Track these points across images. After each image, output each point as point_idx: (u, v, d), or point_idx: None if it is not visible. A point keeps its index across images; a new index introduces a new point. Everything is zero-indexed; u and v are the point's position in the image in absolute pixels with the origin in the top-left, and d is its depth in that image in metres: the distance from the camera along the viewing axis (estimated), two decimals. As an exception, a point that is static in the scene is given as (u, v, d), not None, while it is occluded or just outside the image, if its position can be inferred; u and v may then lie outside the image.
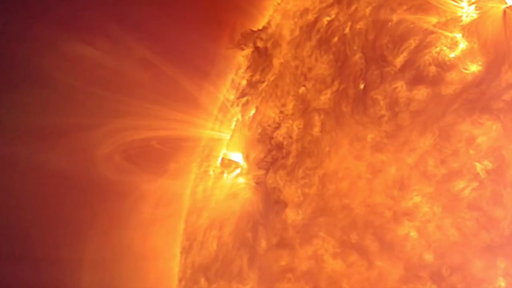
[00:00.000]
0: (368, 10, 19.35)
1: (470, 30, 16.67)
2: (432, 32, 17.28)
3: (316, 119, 19.61)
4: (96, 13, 22.44)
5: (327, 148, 18.94)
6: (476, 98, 15.85)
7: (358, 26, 19.38)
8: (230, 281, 22.11)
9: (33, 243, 22.69)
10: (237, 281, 21.62)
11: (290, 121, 20.60)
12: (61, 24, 21.43)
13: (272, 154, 21.07)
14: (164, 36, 25.64)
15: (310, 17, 21.97)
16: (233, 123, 24.69)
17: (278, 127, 21.20)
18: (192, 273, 25.13)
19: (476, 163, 15.54)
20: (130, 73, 24.53)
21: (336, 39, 20.03)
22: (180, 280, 26.03)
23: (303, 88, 20.56)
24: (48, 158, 22.29)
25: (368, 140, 17.77)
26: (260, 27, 25.19)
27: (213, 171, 25.22)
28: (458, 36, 16.87)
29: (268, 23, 25.04)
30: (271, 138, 21.31)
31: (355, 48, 19.18)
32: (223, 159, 24.65)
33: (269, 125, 21.63)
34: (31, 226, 22.54)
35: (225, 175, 24.17)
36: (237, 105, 24.80)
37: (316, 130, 19.56)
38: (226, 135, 25.14)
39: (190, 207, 26.73)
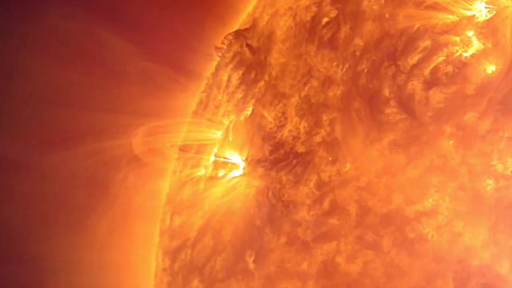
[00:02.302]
0: (374, 8, 18.90)
1: (484, 29, 16.46)
2: (445, 31, 16.99)
3: (325, 118, 19.07)
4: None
5: (338, 146, 18.48)
6: (497, 97, 15.70)
7: (365, 25, 18.88)
8: (231, 280, 21.49)
9: (31, 244, 22.13)
10: (238, 280, 21.02)
11: (296, 120, 19.92)
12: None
13: (276, 154, 20.36)
14: (151, 34, 24.77)
15: (308, 14, 21.26)
16: (226, 123, 23.84)
17: (281, 127, 20.49)
18: (183, 273, 24.32)
19: (500, 163, 15.44)
20: (116, 70, 23.95)
21: (341, 38, 19.45)
22: (168, 280, 25.24)
23: (308, 87, 19.91)
24: (46, 160, 21.65)
25: (384, 139, 17.41)
26: (249, 25, 24.59)
27: (205, 171, 24.44)
28: (473, 35, 16.65)
29: (255, 21, 24.36)
30: (275, 137, 20.61)
31: (363, 47, 18.69)
32: (216, 159, 23.87)
33: (271, 125, 20.89)
34: (29, 227, 22.00)
35: (220, 174, 23.41)
36: (228, 103, 23.97)
37: (324, 129, 19.04)
38: (216, 135, 24.38)
39: (176, 207, 25.84)
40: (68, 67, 22.38)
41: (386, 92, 17.55)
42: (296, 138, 19.79)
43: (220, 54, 25.44)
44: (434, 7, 17.37)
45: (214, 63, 25.99)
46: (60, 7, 20.92)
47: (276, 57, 21.76)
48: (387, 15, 18.25)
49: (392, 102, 17.43)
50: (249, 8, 25.34)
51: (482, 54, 16.30)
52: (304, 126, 19.57)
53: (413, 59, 17.30)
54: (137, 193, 26.02)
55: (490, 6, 16.57)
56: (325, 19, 20.46)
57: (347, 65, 18.86)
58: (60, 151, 22.83)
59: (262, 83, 21.82)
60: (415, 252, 16.29)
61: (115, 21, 23.66)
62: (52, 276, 22.63)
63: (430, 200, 16.25)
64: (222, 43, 24.81)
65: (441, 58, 16.81)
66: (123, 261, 25.24)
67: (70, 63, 22.37)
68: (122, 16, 23.96)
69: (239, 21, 25.58)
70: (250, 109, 22.13)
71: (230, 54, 24.73)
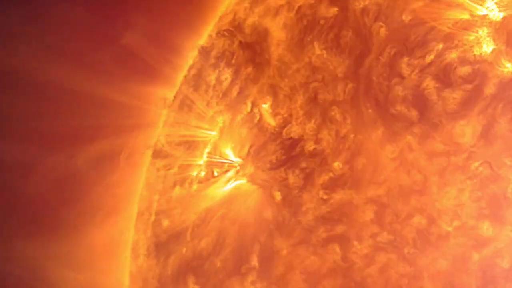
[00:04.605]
0: (380, 5, 18.13)
1: (498, 28, 16.00)
2: (458, 30, 16.45)
3: (333, 116, 18.22)
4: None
5: (349, 146, 17.71)
6: (513, 96, 15.32)
7: (372, 23, 18.11)
8: (232, 280, 20.46)
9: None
10: (242, 281, 20.00)
11: (302, 119, 18.97)
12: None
13: (281, 153, 19.38)
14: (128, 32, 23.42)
15: (305, 12, 20.29)
16: (219, 123, 22.59)
17: (286, 125, 19.49)
18: (175, 274, 23.11)
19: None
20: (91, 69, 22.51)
21: (346, 36, 18.62)
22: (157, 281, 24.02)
23: (313, 85, 18.96)
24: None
25: (399, 138, 16.74)
26: (238, 21, 23.36)
27: (197, 172, 23.17)
28: (487, 34, 16.15)
29: (245, 16, 23.19)
30: (279, 137, 19.61)
31: (371, 46, 17.91)
32: (210, 159, 22.63)
33: (274, 123, 19.88)
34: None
35: (216, 175, 22.22)
36: (220, 103, 22.74)
37: (334, 128, 18.19)
38: (208, 135, 23.10)
39: (165, 208, 24.54)
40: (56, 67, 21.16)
41: (400, 91, 16.84)
42: (302, 137, 18.81)
43: (205, 52, 24.22)
44: (445, 3, 16.73)
45: (199, 62, 24.80)
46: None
47: (273, 55, 20.67)
48: (395, 12, 17.48)
49: (405, 102, 16.77)
50: (235, 1, 24.15)
51: (497, 53, 15.83)
52: (311, 125, 18.63)
53: (426, 58, 16.66)
54: (122, 194, 25.20)
55: (502, 4, 16.04)
56: (325, 17, 19.48)
57: (355, 64, 18.03)
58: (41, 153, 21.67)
59: (260, 81, 20.70)
60: (435, 254, 15.73)
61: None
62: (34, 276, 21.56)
63: (451, 200, 15.70)
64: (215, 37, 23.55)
65: (455, 57, 16.24)
66: (107, 262, 24.33)
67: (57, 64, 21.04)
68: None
69: (224, 17, 24.40)
70: (248, 108, 20.97)
71: (219, 52, 23.51)
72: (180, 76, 25.17)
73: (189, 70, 24.93)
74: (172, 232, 23.65)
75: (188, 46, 24.54)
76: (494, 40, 15.92)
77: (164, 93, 25.21)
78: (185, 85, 24.98)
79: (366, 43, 18.04)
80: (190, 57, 24.77)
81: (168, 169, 24.81)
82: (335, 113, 18.14)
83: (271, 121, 20.01)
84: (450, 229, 15.67)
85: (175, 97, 25.15)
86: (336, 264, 17.53)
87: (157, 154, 25.26)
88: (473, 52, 16.07)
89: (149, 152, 25.40)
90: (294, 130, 19.06)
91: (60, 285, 22.29)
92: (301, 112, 19.00)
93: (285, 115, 19.46)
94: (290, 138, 19.20)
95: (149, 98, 24.86)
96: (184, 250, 22.70)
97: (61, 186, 22.82)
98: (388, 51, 17.42)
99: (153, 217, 24.85)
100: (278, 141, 19.53)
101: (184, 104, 24.86)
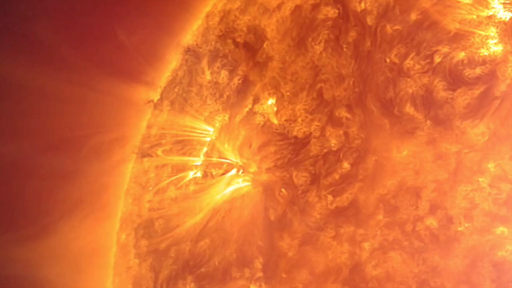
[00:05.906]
0: (383, 6, 17.82)
1: (506, 28, 15.87)
2: (467, 31, 16.26)
3: (340, 116, 17.85)
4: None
5: (357, 145, 17.39)
6: (524, 97, 15.22)
7: (376, 24, 17.79)
8: (231, 282, 20.00)
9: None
10: (245, 281, 19.56)
11: (307, 118, 18.53)
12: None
13: (285, 153, 18.94)
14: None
15: (303, 13, 19.84)
16: (217, 123, 21.98)
17: (289, 125, 19.02)
18: (170, 276, 22.56)
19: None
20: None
21: (350, 37, 18.25)
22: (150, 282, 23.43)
23: (318, 84, 18.52)
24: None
25: (410, 139, 16.49)
26: (231, 19, 22.77)
27: (194, 173, 22.57)
28: (496, 34, 16.00)
29: (238, 15, 22.63)
30: (282, 137, 19.15)
31: (377, 46, 17.58)
32: (208, 159, 22.07)
33: (277, 123, 19.40)
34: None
35: (214, 174, 21.65)
36: (216, 103, 22.13)
37: (341, 128, 17.83)
38: (205, 136, 22.49)
39: (156, 209, 23.91)
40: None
41: (407, 91, 16.60)
42: (308, 136, 18.40)
43: (196, 51, 23.59)
44: (452, 3, 16.52)
45: (191, 62, 24.16)
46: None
47: (274, 54, 20.15)
48: (402, 12, 17.19)
49: (414, 102, 16.52)
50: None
51: (505, 53, 15.71)
52: (316, 124, 18.21)
53: (434, 58, 16.43)
54: (111, 195, 24.68)
55: (510, 4, 15.90)
56: (328, 17, 19.07)
57: (360, 64, 17.68)
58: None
59: (261, 80, 20.18)
60: (448, 253, 15.58)
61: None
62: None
63: (463, 201, 15.52)
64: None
65: (464, 58, 16.04)
66: (96, 262, 24.03)
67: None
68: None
69: (217, 15, 23.76)
70: (249, 107, 20.44)
71: (212, 52, 22.91)
72: (170, 76, 24.62)
73: (179, 70, 24.30)
74: (168, 232, 23.07)
75: (178, 46, 23.97)
76: (502, 40, 15.76)
77: (153, 94, 24.63)
78: (175, 84, 24.36)
79: (371, 42, 17.69)
80: (180, 57, 24.18)
81: (160, 170, 24.18)
82: (342, 113, 17.77)
83: (274, 120, 19.53)
84: (462, 229, 15.48)
85: (164, 97, 24.57)
86: (344, 264, 17.23)
87: (147, 154, 24.62)
88: (481, 52, 15.89)
89: (139, 153, 24.80)
90: (299, 129, 18.62)
91: (53, 285, 21.75)
92: (306, 111, 18.57)
93: (290, 114, 19.00)
94: (295, 138, 18.75)
95: (137, 98, 24.28)
96: (182, 250, 22.17)
97: (50, 187, 22.19)
98: (395, 51, 17.10)
99: (144, 218, 24.21)
100: (282, 141, 19.07)
101: (175, 104, 24.24)
